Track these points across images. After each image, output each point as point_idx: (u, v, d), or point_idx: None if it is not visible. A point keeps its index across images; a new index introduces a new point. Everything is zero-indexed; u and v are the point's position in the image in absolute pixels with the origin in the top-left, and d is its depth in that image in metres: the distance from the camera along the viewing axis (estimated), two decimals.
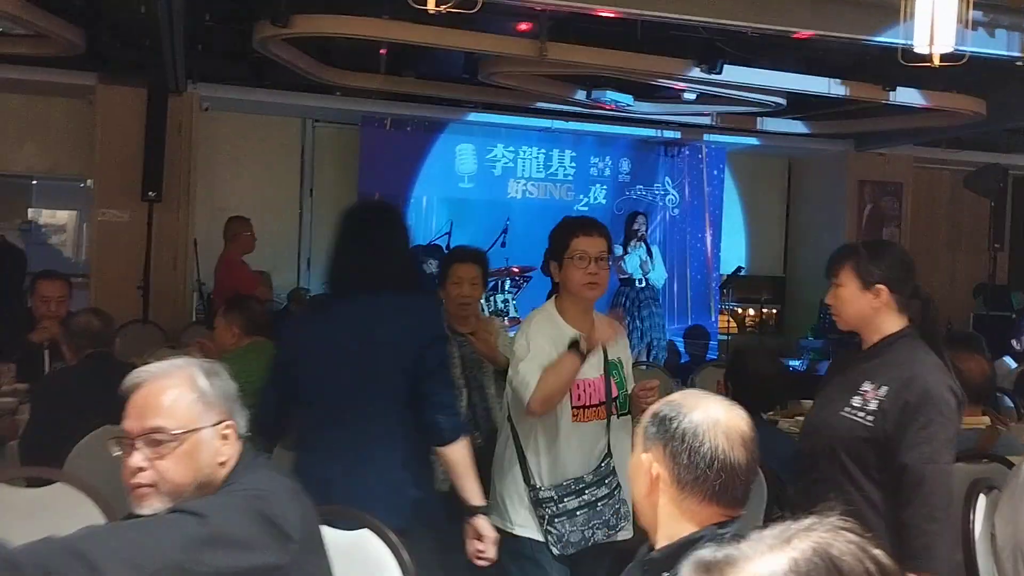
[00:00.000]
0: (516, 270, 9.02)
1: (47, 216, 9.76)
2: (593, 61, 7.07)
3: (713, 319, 10.01)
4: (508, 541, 2.87)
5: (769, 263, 10.66)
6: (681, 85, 7.57)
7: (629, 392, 3.09)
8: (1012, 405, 4.85)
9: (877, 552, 1.01)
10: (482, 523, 2.74)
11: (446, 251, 9.33)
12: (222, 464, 1.93)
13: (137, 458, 1.87)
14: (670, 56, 7.08)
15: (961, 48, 4.95)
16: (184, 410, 1.90)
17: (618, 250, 9.18)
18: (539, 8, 6.02)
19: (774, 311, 10.64)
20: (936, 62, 4.61)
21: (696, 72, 7.02)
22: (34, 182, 9.37)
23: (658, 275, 9.14)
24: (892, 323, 2.58)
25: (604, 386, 3.00)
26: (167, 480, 1.87)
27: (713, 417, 1.67)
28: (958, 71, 7.33)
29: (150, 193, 7.79)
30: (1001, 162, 9.66)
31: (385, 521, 2.32)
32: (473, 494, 2.73)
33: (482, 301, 8.79)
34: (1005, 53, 6.16)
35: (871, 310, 2.56)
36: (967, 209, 10.49)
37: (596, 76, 7.83)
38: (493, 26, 6.83)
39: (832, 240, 10.07)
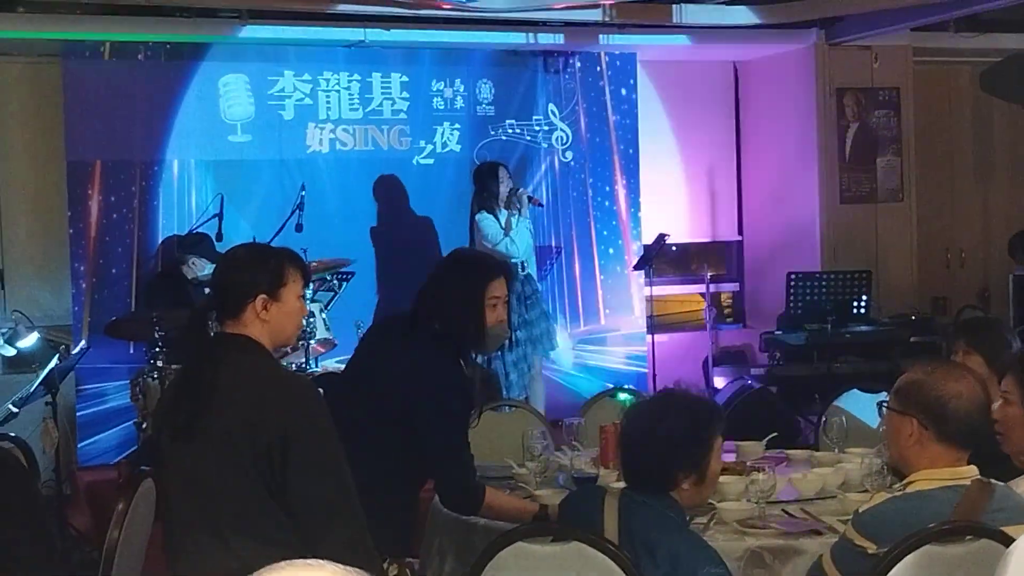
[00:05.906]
0: (321, 265, 5.79)
1: None
2: None
3: (638, 313, 6.89)
4: None
5: (717, 223, 7.55)
6: None
7: None
8: None
9: None
10: None
11: (217, 241, 6.26)
12: None
13: None
14: None
15: None
16: None
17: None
18: None
19: (730, 294, 7.68)
20: None
21: None
22: None
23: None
24: None
25: None
26: None
27: None
28: None
29: None
30: None
31: None
32: None
33: None
34: None
35: None
36: (1000, 121, 7.60)
37: None
38: None
39: (805, 182, 7.07)
